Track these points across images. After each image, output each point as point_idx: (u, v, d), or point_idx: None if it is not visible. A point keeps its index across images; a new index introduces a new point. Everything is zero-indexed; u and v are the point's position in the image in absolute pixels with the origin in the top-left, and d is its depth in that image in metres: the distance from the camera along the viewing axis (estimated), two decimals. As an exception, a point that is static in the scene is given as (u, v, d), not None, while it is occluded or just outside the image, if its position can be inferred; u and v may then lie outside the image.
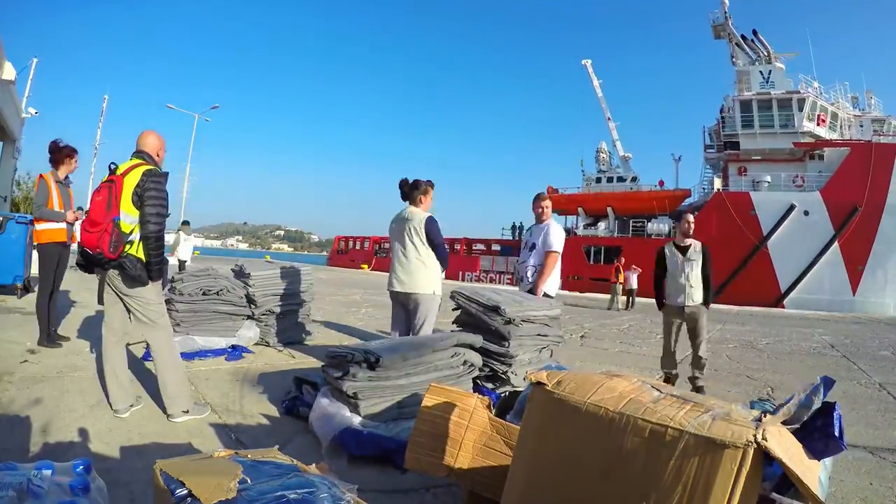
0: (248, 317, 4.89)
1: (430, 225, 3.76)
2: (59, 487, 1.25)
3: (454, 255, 31.70)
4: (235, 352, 4.52)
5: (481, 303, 3.50)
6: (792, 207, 22.10)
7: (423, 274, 3.73)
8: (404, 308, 3.85)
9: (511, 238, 34.86)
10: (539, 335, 3.58)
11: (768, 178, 23.53)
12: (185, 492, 1.25)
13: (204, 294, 4.58)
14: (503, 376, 3.25)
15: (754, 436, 1.11)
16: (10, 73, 10.53)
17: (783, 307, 20.81)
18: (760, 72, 24.89)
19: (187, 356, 4.26)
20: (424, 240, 3.74)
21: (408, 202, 3.90)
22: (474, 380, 3.14)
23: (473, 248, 35.51)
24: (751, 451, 1.10)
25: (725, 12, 26.14)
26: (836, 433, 1.26)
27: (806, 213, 21.87)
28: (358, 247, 41.49)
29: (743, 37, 25.74)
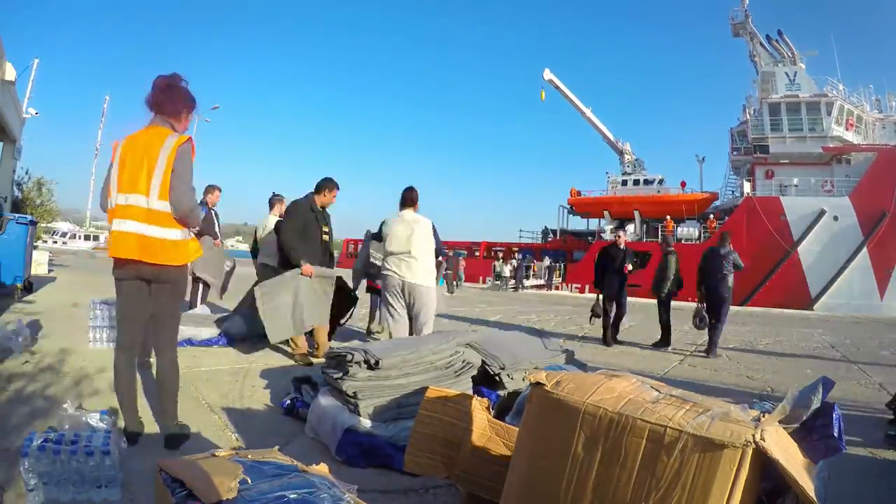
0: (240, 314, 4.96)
1: (435, 229, 4.32)
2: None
3: (473, 260, 31.01)
4: (223, 340, 4.64)
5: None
6: (822, 213, 22.04)
7: (430, 269, 4.26)
8: (405, 298, 4.21)
9: (542, 241, 34.17)
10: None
11: (796, 182, 23.43)
12: (186, 492, 1.25)
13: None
14: (498, 379, 3.23)
15: (753, 436, 1.11)
16: (10, 73, 10.54)
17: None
18: (786, 73, 24.61)
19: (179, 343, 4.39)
20: (432, 241, 4.27)
21: (407, 207, 4.34)
22: (473, 380, 3.13)
23: (494, 251, 34.31)
24: (749, 452, 1.11)
25: (745, 10, 25.97)
26: (836, 434, 1.26)
27: (835, 218, 21.82)
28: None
29: (768, 37, 25.53)
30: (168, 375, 2.47)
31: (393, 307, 4.20)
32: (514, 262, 25.42)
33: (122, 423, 2.45)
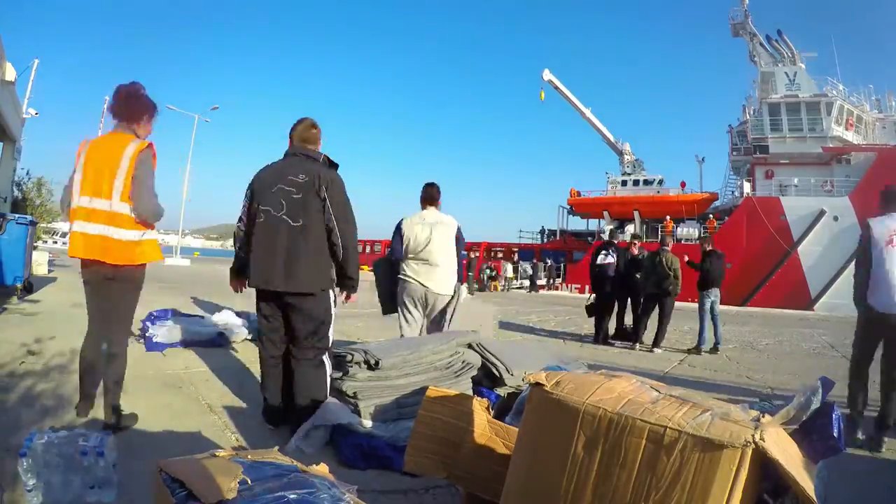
0: (236, 313, 4.98)
1: (460, 232, 3.96)
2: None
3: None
4: (223, 340, 4.65)
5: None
6: (822, 213, 22.13)
7: (451, 276, 3.89)
8: (424, 307, 3.90)
9: (541, 242, 34.13)
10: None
11: (796, 182, 23.50)
12: (185, 492, 1.25)
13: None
14: (497, 374, 3.23)
15: (753, 436, 1.11)
16: (10, 74, 10.55)
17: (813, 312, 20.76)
18: (786, 73, 24.67)
19: (174, 345, 4.38)
20: (454, 243, 3.90)
21: (429, 205, 3.97)
22: (473, 380, 3.14)
23: (493, 253, 33.69)
24: (749, 452, 1.11)
25: (745, 10, 26.01)
26: (835, 434, 1.26)
27: (835, 218, 21.88)
28: (368, 250, 40.50)
29: (768, 37, 25.56)
30: (118, 361, 2.57)
31: (409, 313, 3.89)
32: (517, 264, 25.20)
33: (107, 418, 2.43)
